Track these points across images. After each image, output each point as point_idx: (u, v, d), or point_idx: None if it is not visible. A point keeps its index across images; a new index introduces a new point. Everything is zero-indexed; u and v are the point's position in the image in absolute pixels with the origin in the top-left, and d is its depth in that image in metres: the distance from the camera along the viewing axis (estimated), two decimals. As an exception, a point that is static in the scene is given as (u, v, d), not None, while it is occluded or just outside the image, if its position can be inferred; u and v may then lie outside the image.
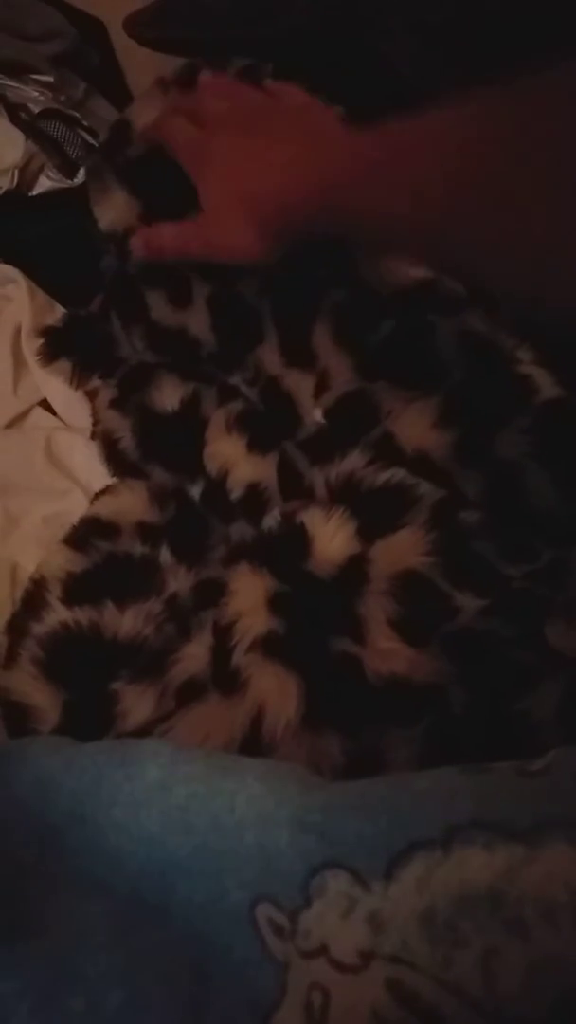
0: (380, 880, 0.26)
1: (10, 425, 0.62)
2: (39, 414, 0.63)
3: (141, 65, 0.86)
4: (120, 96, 0.89)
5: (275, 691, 0.40)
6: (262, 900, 0.27)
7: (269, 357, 0.51)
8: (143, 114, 0.56)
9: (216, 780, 0.30)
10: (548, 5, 0.59)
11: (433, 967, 0.24)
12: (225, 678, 0.41)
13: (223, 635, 0.42)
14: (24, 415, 0.63)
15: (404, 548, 0.44)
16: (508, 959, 0.24)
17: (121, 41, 0.92)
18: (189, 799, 0.29)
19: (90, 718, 0.42)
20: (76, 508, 0.55)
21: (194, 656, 0.42)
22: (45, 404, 0.63)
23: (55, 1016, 0.23)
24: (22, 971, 0.24)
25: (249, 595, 0.43)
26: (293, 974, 0.26)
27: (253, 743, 0.39)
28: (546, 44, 0.59)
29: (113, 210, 0.55)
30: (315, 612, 0.43)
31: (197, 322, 0.52)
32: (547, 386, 0.48)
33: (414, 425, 0.48)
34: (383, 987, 0.25)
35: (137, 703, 0.42)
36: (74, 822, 0.30)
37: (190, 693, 0.41)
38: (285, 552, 0.45)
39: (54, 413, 0.63)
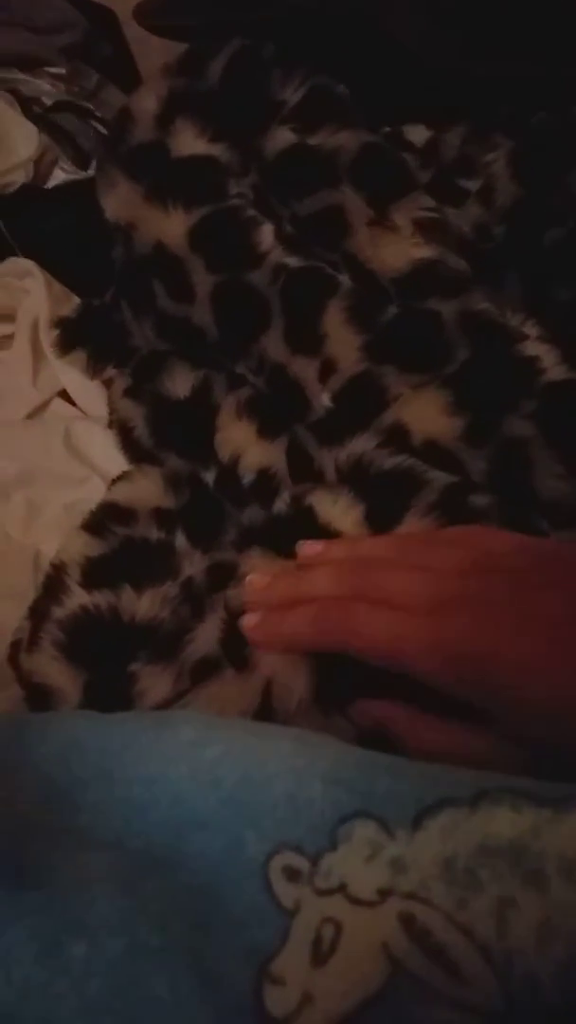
0: (407, 830, 0.27)
1: (31, 416, 0.64)
2: (58, 404, 0.65)
3: (153, 53, 0.86)
4: (132, 85, 0.90)
5: (286, 669, 0.41)
6: (282, 849, 0.27)
7: (274, 345, 0.51)
8: (145, 102, 0.57)
9: (250, 740, 0.31)
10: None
11: (448, 906, 0.25)
12: (239, 656, 0.42)
13: (235, 615, 0.43)
14: (44, 406, 0.65)
15: (412, 530, 0.45)
16: (523, 910, 0.24)
17: (132, 30, 0.93)
18: (222, 755, 0.30)
19: (110, 698, 0.43)
20: (96, 495, 0.56)
21: (207, 635, 0.44)
22: (64, 394, 0.65)
23: (57, 963, 0.24)
24: (27, 920, 0.25)
25: (260, 576, 0.44)
26: (302, 915, 0.26)
27: (266, 719, 0.41)
28: (560, 23, 0.59)
29: (117, 200, 0.56)
30: None
31: (201, 313, 0.53)
32: (552, 367, 0.48)
33: (423, 413, 0.48)
34: (396, 921, 0.25)
35: (155, 683, 0.43)
36: (98, 777, 0.31)
37: (204, 670, 0.43)
38: (297, 532, 0.46)
39: (73, 403, 0.64)
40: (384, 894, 0.26)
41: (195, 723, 0.32)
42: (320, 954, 0.25)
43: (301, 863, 0.27)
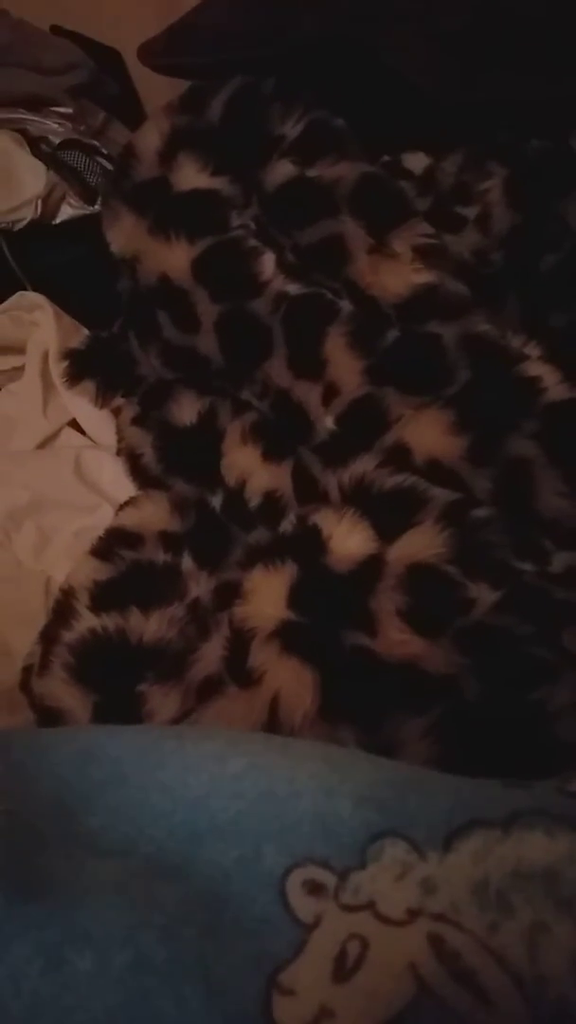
0: (438, 851, 0.27)
1: (41, 446, 0.65)
2: (68, 434, 0.66)
3: (158, 91, 0.89)
4: (138, 122, 0.92)
5: (292, 683, 0.42)
6: (305, 864, 0.27)
7: (277, 371, 0.52)
8: (149, 139, 0.59)
9: (275, 756, 0.31)
10: (568, 11, 0.60)
11: (479, 930, 0.25)
12: (242, 672, 0.43)
13: (239, 631, 0.44)
14: (54, 436, 0.66)
15: (418, 545, 0.46)
16: (556, 937, 0.24)
17: (138, 69, 0.95)
18: (247, 769, 0.30)
19: (119, 719, 0.44)
20: (105, 522, 0.57)
21: (212, 653, 0.45)
22: (74, 423, 0.66)
23: (63, 978, 0.24)
24: (33, 934, 0.25)
25: (264, 593, 0.45)
26: (324, 929, 0.26)
27: (272, 733, 0.41)
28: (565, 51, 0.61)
29: (123, 234, 0.58)
30: (330, 606, 0.45)
31: (206, 342, 0.54)
32: (553, 386, 0.49)
33: (425, 433, 0.49)
34: (425, 941, 0.25)
35: (163, 703, 0.44)
36: (114, 781, 0.31)
37: (209, 689, 0.43)
38: (301, 550, 0.47)
39: (83, 432, 0.66)
40: (413, 914, 0.26)
41: (217, 737, 0.32)
42: (344, 969, 0.25)
43: (327, 878, 0.27)
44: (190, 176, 0.57)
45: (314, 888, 0.27)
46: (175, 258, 0.55)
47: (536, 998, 0.23)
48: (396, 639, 0.43)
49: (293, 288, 0.53)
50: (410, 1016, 0.24)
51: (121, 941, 0.25)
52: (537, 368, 0.50)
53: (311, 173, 0.56)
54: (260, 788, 0.29)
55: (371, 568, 0.45)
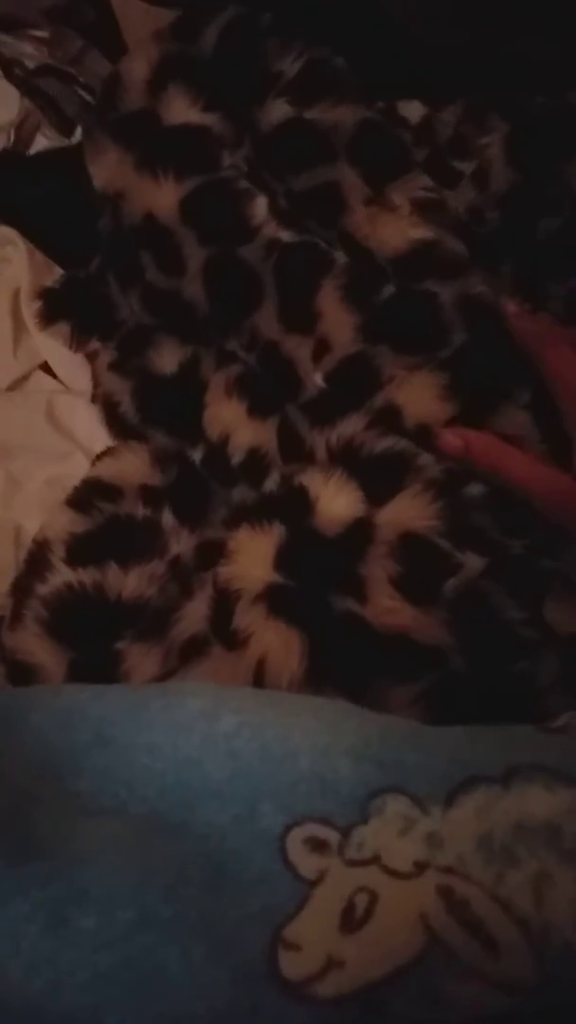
0: (440, 806, 0.27)
1: (11, 388, 0.62)
2: (40, 377, 0.63)
3: (138, 19, 0.84)
4: (117, 52, 0.87)
5: (279, 647, 0.41)
6: (305, 822, 0.28)
7: (267, 322, 0.50)
8: (136, 67, 0.55)
9: (268, 713, 0.31)
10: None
11: (486, 880, 0.26)
12: (227, 634, 0.42)
13: (224, 592, 0.43)
14: (25, 378, 0.63)
15: (410, 513, 0.45)
16: (560, 886, 0.25)
17: (116, -5, 0.90)
18: (239, 727, 0.30)
19: (95, 677, 0.42)
20: (78, 471, 0.55)
21: (196, 614, 0.43)
22: (46, 367, 0.63)
23: (65, 935, 0.24)
24: (30, 893, 0.25)
25: (250, 553, 0.44)
26: (328, 885, 0.26)
27: None
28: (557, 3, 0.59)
29: (106, 168, 0.55)
30: (318, 569, 0.44)
31: (191, 287, 0.52)
32: None
33: (417, 396, 0.48)
34: (434, 892, 0.26)
35: (142, 662, 0.43)
36: (100, 743, 0.30)
37: (193, 649, 0.42)
38: (288, 511, 0.46)
39: (55, 376, 0.63)
40: (421, 867, 0.26)
41: (205, 694, 0.32)
42: (352, 921, 0.25)
43: (330, 835, 0.27)
44: (180, 110, 0.54)
45: (317, 845, 0.27)
46: (162, 196, 0.53)
47: (542, 944, 0.24)
48: (387, 606, 0.42)
49: (286, 235, 0.51)
50: (420, 965, 0.25)
51: (126, 899, 0.25)
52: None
53: (309, 115, 0.53)
54: (254, 747, 0.29)
55: (361, 532, 0.44)
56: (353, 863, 0.27)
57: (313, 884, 0.26)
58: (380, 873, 0.26)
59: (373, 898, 0.26)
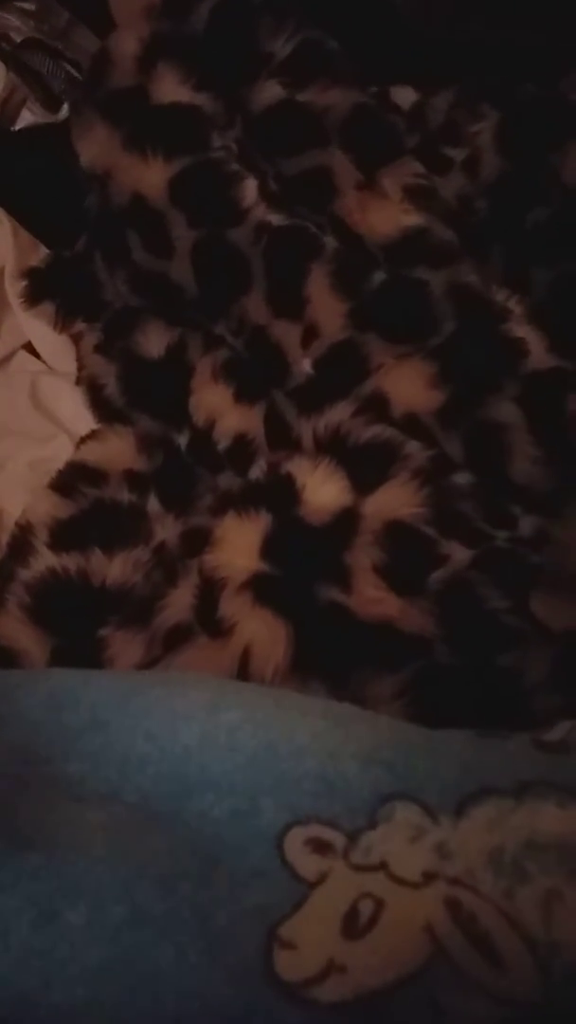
0: (450, 816, 0.27)
1: (-6, 368, 0.61)
2: (23, 358, 0.62)
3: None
4: (104, 27, 0.86)
5: (264, 636, 0.41)
6: (309, 822, 0.27)
7: (255, 307, 0.50)
8: (125, 43, 0.54)
9: (272, 711, 0.31)
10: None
11: (495, 895, 0.25)
12: (212, 622, 0.41)
13: (209, 580, 0.42)
14: (8, 359, 0.62)
15: (395, 502, 0.45)
16: (570, 904, 0.25)
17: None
18: (242, 722, 0.30)
19: (78, 663, 0.42)
20: (62, 454, 0.55)
21: (180, 602, 0.43)
22: (30, 347, 0.62)
23: (55, 930, 0.24)
24: (21, 886, 0.24)
25: (236, 542, 0.44)
26: (330, 887, 0.26)
27: None
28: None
29: (94, 146, 0.54)
30: (304, 558, 0.43)
31: (179, 269, 0.51)
32: (539, 352, 0.48)
33: (405, 385, 0.48)
34: (442, 904, 0.25)
35: (126, 649, 0.42)
36: (93, 727, 0.30)
37: (178, 637, 0.42)
38: (274, 499, 0.46)
39: (39, 357, 0.62)
40: (429, 877, 0.26)
41: (207, 686, 0.31)
42: (356, 927, 0.25)
43: (335, 838, 0.27)
44: (170, 88, 0.53)
45: (319, 846, 0.27)
46: (151, 176, 0.52)
47: (549, 963, 0.24)
48: (372, 596, 0.42)
49: (276, 219, 0.51)
50: (424, 976, 0.24)
51: (116, 894, 0.25)
52: (522, 329, 0.48)
53: (301, 98, 0.53)
54: (258, 743, 0.29)
55: (346, 521, 0.44)
56: (359, 868, 0.26)
57: (313, 885, 0.26)
58: (387, 880, 0.26)
59: (379, 905, 0.25)
